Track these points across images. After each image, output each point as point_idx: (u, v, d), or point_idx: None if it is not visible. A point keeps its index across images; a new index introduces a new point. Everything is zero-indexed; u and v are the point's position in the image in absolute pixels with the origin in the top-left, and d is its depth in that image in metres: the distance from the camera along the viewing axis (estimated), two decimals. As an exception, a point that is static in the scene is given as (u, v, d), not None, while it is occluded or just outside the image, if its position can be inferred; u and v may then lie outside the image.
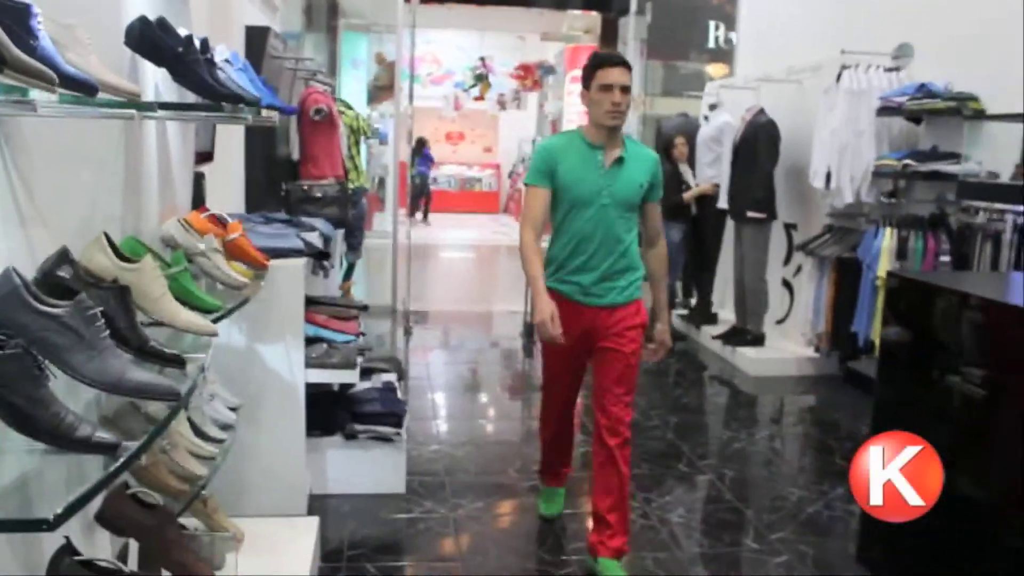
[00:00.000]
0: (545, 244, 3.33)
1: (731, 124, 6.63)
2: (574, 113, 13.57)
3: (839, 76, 5.61)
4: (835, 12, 6.64)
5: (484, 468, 4.35)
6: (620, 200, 3.15)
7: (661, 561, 3.39)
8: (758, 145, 6.13)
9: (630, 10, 8.87)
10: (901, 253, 5.00)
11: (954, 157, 5.01)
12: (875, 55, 5.70)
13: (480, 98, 16.85)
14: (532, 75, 15.95)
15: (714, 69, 11.98)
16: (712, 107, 7.14)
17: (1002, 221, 4.51)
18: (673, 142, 6.97)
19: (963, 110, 4.93)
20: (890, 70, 5.64)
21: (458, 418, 5.32)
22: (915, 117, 5.34)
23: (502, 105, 17.32)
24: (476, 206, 18.35)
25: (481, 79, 16.44)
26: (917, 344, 3.08)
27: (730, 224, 6.73)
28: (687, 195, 6.88)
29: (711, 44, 13.50)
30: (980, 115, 4.93)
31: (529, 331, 7.07)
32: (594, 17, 12.96)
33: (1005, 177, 4.65)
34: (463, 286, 11.20)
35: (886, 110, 5.33)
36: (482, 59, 16.64)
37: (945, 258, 4.92)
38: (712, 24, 13.21)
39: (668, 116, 8.07)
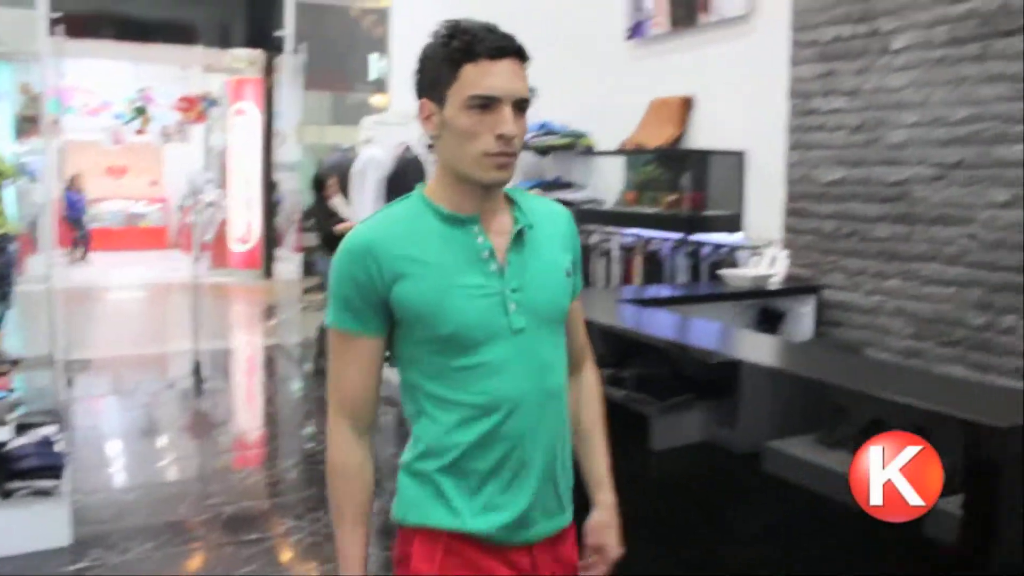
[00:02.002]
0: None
1: (375, 158, 7.04)
2: (240, 146, 13.51)
3: (474, 115, 6.22)
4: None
5: (154, 509, 4.43)
6: (545, 311, 1.64)
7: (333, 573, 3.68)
8: (407, 179, 6.60)
9: (286, 49, 9.11)
10: (533, 272, 5.65)
11: (573, 186, 5.75)
12: (505, 95, 6.36)
13: (141, 131, 16.27)
14: (196, 107, 15.63)
15: (379, 99, 12.44)
16: (366, 142, 7.56)
17: (609, 241, 5.26)
18: (325, 182, 7.27)
19: (576, 146, 5.68)
20: (518, 109, 6.33)
21: (128, 463, 5.31)
22: (542, 151, 6.04)
23: (166, 138, 16.82)
24: (144, 243, 17.65)
25: (141, 111, 15.88)
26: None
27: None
28: (339, 227, 7.21)
29: (373, 76, 13.98)
30: (590, 151, 5.70)
31: (198, 369, 7.08)
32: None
33: (610, 204, 5.42)
34: (133, 328, 10.85)
35: (515, 146, 5.96)
36: (141, 91, 16.09)
37: (571, 274, 5.62)
38: (373, 56, 13.70)
39: (327, 151, 8.41)
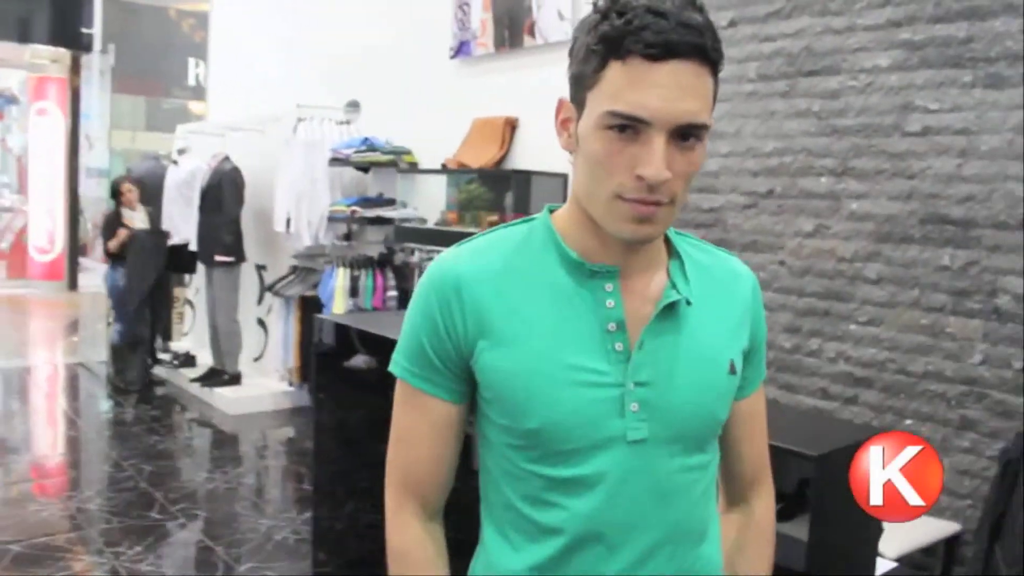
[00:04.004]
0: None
1: (203, 168, 6.77)
2: (42, 149, 12.65)
3: (296, 128, 6.04)
4: (291, 66, 7.10)
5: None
6: (682, 422, 1.14)
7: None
8: (223, 191, 6.35)
9: (93, 48, 8.62)
10: (354, 290, 5.53)
11: (395, 203, 5.66)
12: (328, 109, 6.22)
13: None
14: (-9, 106, 14.59)
15: (197, 106, 11.96)
16: (181, 151, 7.23)
17: (431, 261, 5.21)
18: (121, 188, 6.87)
19: (399, 163, 5.60)
20: (341, 123, 6.20)
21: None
22: (363, 167, 5.93)
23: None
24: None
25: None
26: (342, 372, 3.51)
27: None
28: (112, 244, 6.81)
29: (192, 81, 13.45)
30: (413, 168, 5.64)
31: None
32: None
33: (432, 222, 5.37)
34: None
35: (337, 161, 5.84)
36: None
37: (392, 292, 5.54)
38: (192, 61, 13.18)
39: (139, 158, 8.00)
